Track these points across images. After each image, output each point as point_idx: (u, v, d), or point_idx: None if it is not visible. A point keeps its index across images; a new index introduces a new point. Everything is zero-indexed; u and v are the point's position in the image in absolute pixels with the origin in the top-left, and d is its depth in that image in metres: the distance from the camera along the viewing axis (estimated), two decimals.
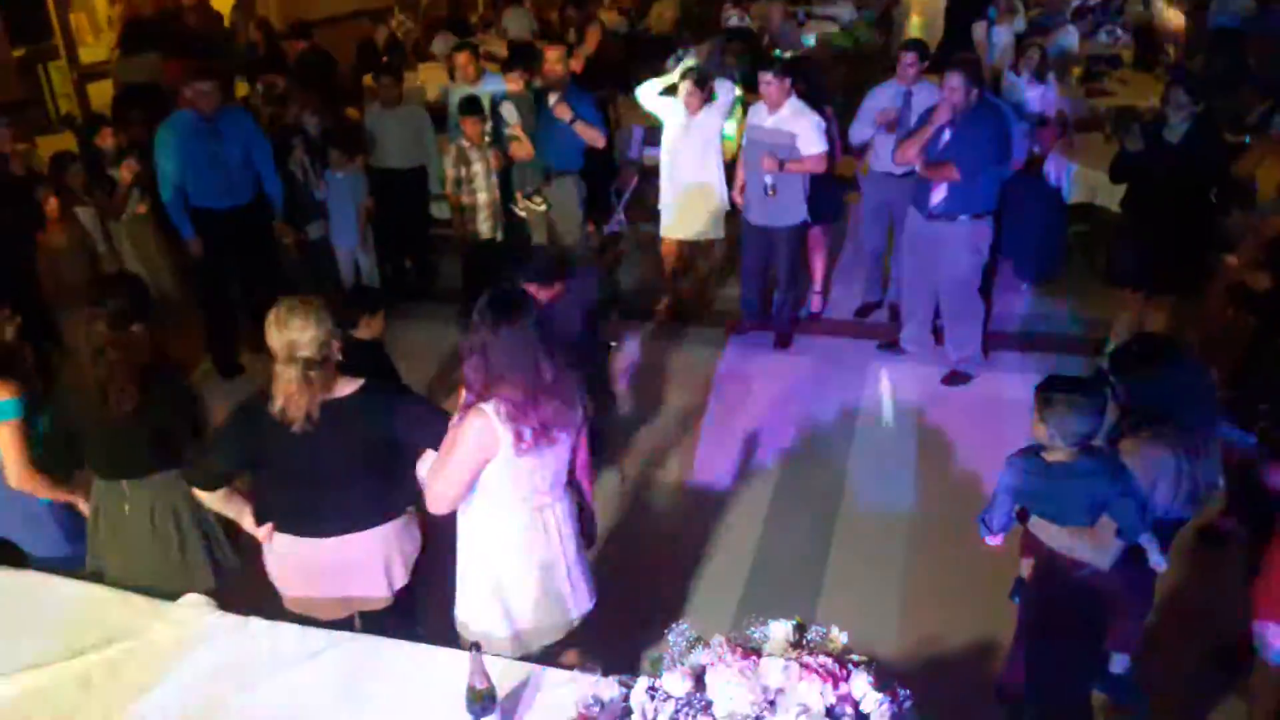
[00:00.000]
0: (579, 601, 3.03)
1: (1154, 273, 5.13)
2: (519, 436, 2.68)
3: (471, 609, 2.98)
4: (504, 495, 2.83)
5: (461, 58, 6.91)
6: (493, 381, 2.68)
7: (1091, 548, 2.79)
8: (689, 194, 6.21)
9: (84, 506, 3.39)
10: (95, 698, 2.66)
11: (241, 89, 8.64)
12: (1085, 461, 2.76)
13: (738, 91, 6.42)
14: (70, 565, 3.38)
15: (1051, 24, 9.97)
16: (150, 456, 3.24)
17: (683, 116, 6.08)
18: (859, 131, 6.12)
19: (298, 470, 2.92)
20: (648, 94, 6.31)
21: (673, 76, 6.33)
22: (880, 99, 6.05)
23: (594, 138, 6.22)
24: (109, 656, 2.79)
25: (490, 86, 6.79)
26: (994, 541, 3.02)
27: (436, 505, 2.83)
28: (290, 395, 2.78)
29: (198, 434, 3.27)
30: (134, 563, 3.29)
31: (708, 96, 6.04)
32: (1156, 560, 2.87)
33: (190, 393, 3.37)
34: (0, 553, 3.39)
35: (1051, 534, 2.85)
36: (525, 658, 2.86)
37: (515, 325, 2.67)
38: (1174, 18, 10.37)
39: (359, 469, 2.93)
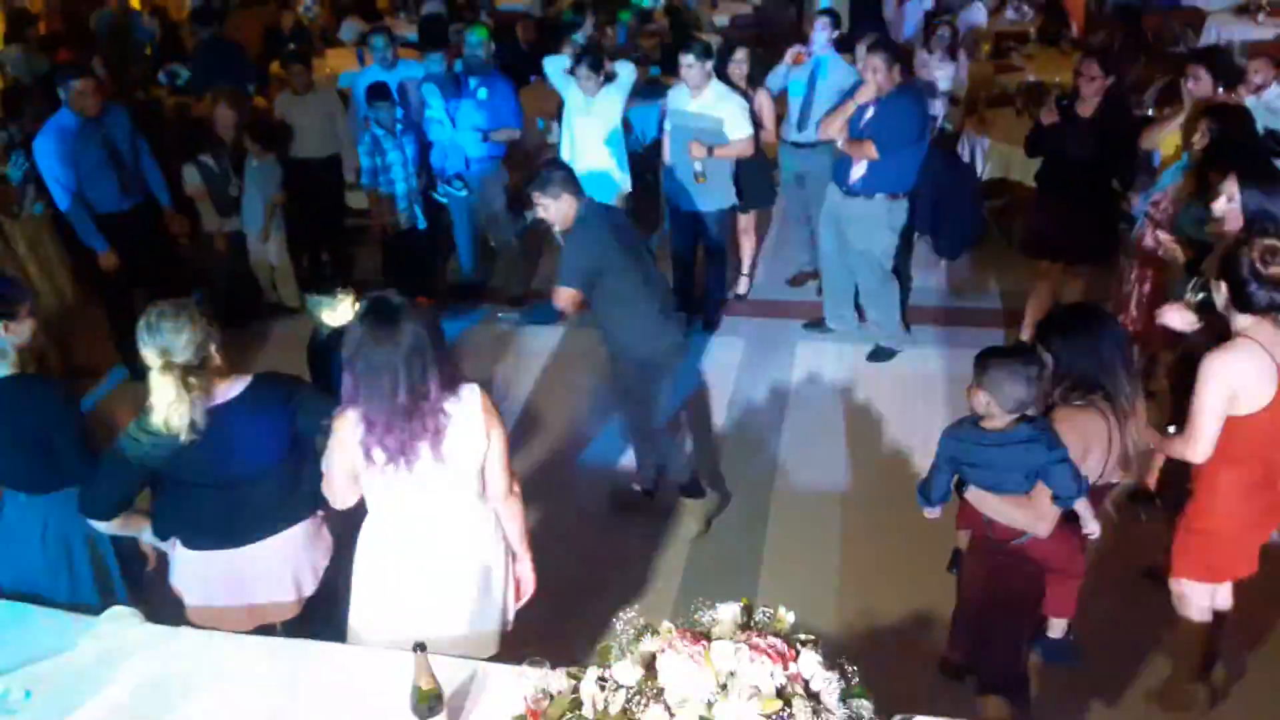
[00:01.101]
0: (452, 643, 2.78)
1: (1069, 244, 5.25)
2: (368, 454, 2.56)
3: (353, 612, 2.89)
4: (372, 504, 2.74)
5: (380, 42, 6.73)
6: (354, 395, 2.55)
7: (1028, 515, 2.84)
8: (591, 176, 6.13)
9: None
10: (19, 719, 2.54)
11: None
12: (1021, 429, 2.81)
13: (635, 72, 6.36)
14: None
15: (959, 1, 10.16)
16: (34, 472, 3.04)
17: (582, 96, 6.01)
18: (774, 80, 6.23)
19: (193, 481, 2.78)
20: (554, 68, 6.24)
21: (560, 69, 6.25)
22: (782, 72, 6.22)
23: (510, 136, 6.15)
24: (32, 674, 2.66)
25: (405, 72, 6.66)
26: (932, 514, 3.05)
27: (330, 499, 2.75)
28: (170, 404, 2.62)
29: (74, 447, 3.02)
30: (21, 576, 3.13)
31: (605, 77, 5.97)
32: (1091, 527, 2.94)
33: (64, 401, 3.09)
34: None
35: (989, 503, 2.90)
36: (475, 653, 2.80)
37: (380, 345, 2.50)
38: None
39: (264, 469, 2.81)
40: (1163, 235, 4.32)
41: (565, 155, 6.20)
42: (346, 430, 2.59)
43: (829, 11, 6.27)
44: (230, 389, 2.76)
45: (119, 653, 2.72)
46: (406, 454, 2.57)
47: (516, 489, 2.83)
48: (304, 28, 10.62)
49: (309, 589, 2.97)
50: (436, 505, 2.71)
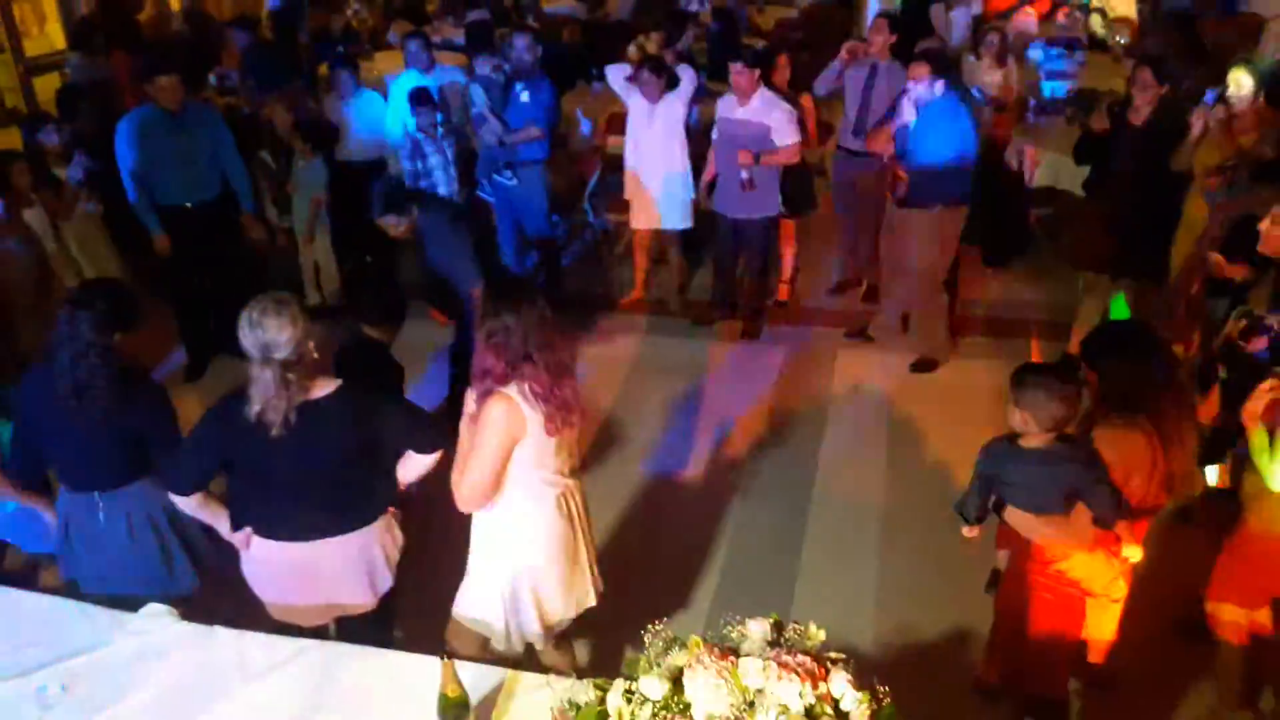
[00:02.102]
0: (594, 586, 3.08)
1: (1118, 256, 5.14)
2: (550, 418, 2.72)
3: (484, 602, 2.95)
4: (531, 481, 2.83)
5: (415, 45, 6.81)
6: (516, 365, 2.70)
7: (1066, 536, 2.78)
8: (655, 184, 6.14)
9: (51, 515, 3.34)
10: (56, 714, 2.57)
11: None
12: (1060, 448, 2.75)
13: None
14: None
15: (1010, 8, 10.01)
16: (123, 466, 3.15)
17: (645, 104, 6.01)
18: (824, 82, 6.12)
19: (275, 474, 2.85)
20: (615, 76, 6.23)
21: (620, 77, 6.24)
22: (850, 79, 6.06)
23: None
24: (69, 670, 2.70)
25: (446, 75, 6.71)
26: (970, 532, 3.00)
27: (469, 502, 2.82)
28: (268, 399, 2.69)
29: (172, 441, 3.15)
30: (115, 573, 3.22)
31: (668, 83, 5.97)
32: (1132, 549, 2.87)
33: (166, 399, 3.24)
34: None
35: (1027, 523, 2.84)
36: (501, 660, 2.81)
37: (534, 307, 2.71)
38: (1124, 3, 10.45)
39: (338, 472, 2.86)
40: (1213, 255, 4.21)
41: (629, 162, 6.23)
42: (504, 405, 2.72)
43: (887, 15, 6.18)
44: (321, 389, 2.82)
45: (154, 650, 2.76)
46: (575, 407, 2.80)
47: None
48: (353, 31, 10.75)
49: (384, 585, 3.05)
50: (572, 463, 2.93)
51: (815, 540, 4.44)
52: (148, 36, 9.06)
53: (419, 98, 6.05)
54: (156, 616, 2.90)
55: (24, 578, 3.74)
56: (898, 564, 4.25)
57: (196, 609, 2.99)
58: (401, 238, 4.80)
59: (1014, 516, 2.87)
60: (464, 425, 2.84)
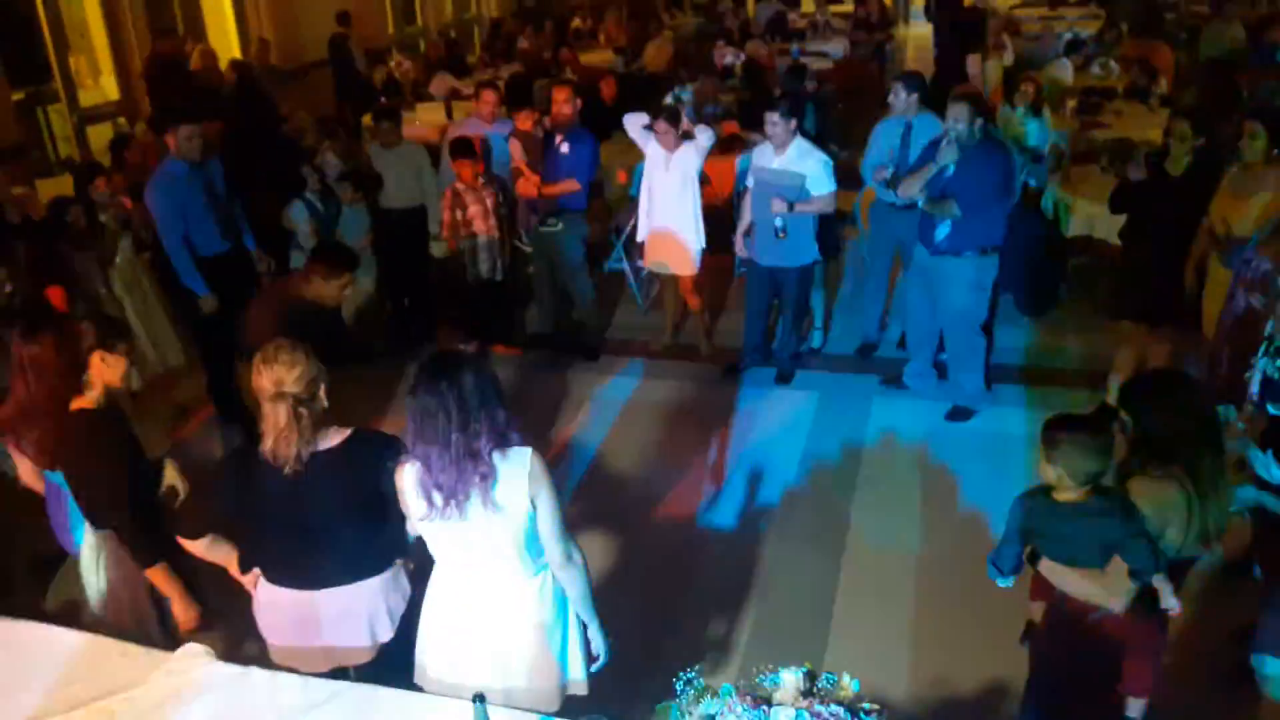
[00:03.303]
0: (513, 691, 2.81)
1: (1154, 305, 5.11)
2: (427, 497, 2.63)
3: (423, 656, 2.95)
4: (437, 555, 2.82)
5: (488, 95, 6.97)
6: (415, 444, 2.63)
7: (1103, 590, 2.75)
8: (666, 230, 6.23)
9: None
10: None
11: None
12: (1095, 501, 2.73)
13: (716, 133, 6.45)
14: None
15: (1043, 58, 10.08)
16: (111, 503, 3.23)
17: (662, 153, 6.10)
18: (872, 169, 6.06)
19: (285, 519, 2.88)
20: (633, 123, 6.32)
21: (638, 126, 6.32)
22: (881, 135, 6.09)
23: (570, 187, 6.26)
24: (107, 708, 2.74)
25: (500, 126, 6.86)
26: (1004, 584, 2.98)
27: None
28: (280, 433, 2.75)
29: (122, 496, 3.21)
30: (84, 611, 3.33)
31: (683, 135, 6.06)
32: (1170, 602, 2.82)
33: (131, 448, 3.29)
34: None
35: (1062, 576, 2.82)
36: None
37: (435, 388, 2.57)
38: (1160, 51, 10.47)
39: (347, 521, 2.89)
40: (1255, 298, 4.19)
41: (643, 210, 6.31)
42: (405, 479, 2.69)
43: (907, 75, 6.24)
44: (329, 439, 2.86)
45: (190, 689, 2.78)
46: (458, 497, 2.60)
47: (577, 557, 2.76)
48: (395, 82, 11.02)
49: (384, 636, 3.03)
50: (489, 557, 2.73)
51: (849, 589, 4.41)
52: (198, 89, 9.33)
53: (459, 148, 6.17)
54: (193, 655, 2.93)
55: (64, 615, 3.80)
56: (932, 614, 4.20)
57: (226, 650, 3.02)
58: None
59: (1049, 569, 2.84)
60: None
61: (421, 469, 2.63)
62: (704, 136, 6.14)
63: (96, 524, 3.26)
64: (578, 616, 2.89)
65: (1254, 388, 3.64)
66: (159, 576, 3.26)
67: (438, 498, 2.61)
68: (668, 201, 6.19)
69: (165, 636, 3.31)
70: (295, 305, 4.28)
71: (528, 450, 2.66)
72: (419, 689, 2.86)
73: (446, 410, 2.56)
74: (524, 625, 2.81)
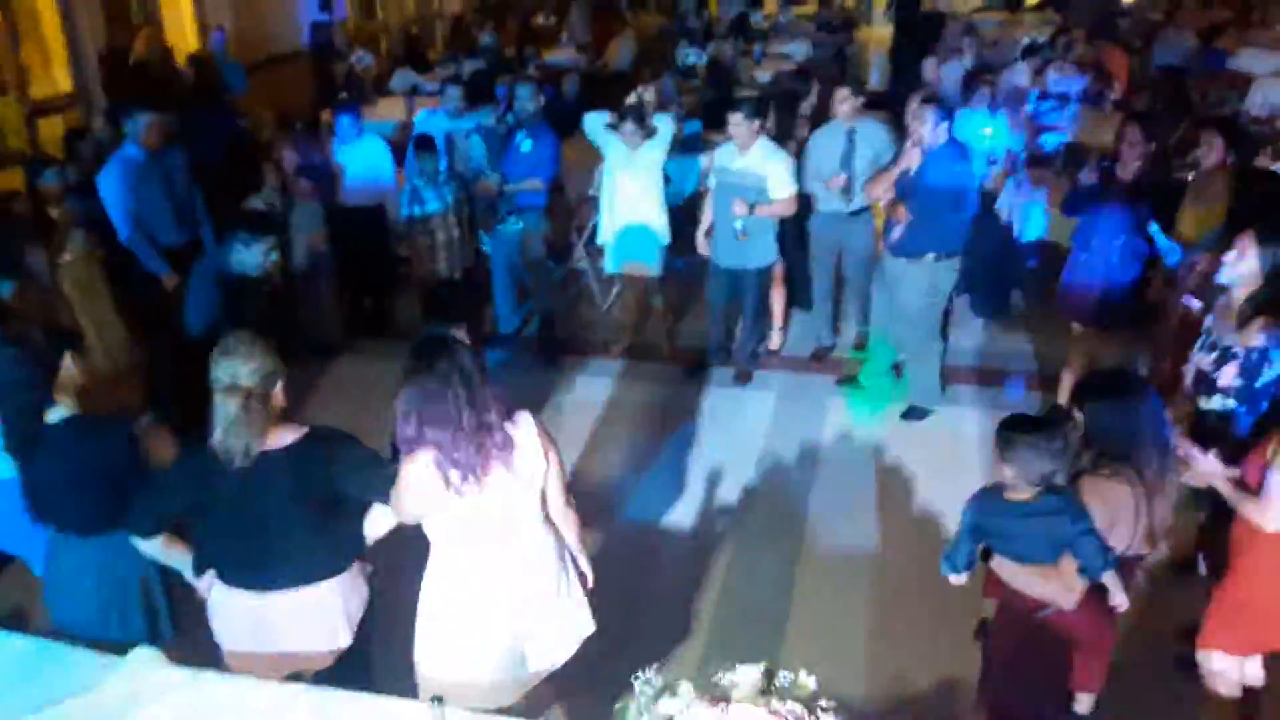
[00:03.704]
0: (540, 655, 2.95)
1: (1104, 307, 5.21)
2: (446, 480, 2.67)
3: (428, 657, 2.92)
4: (450, 539, 2.81)
5: (453, 91, 6.97)
6: (420, 430, 2.65)
7: (1054, 587, 2.80)
8: (630, 228, 6.21)
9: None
10: None
11: None
12: (1047, 500, 2.78)
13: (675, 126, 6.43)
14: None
15: (1001, 62, 10.19)
16: (102, 511, 3.14)
17: (624, 151, 6.09)
18: (808, 185, 6.07)
19: (238, 518, 2.85)
20: (594, 124, 6.29)
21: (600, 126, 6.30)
22: (823, 143, 6.10)
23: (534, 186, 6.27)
24: (56, 713, 2.70)
25: (467, 121, 6.83)
26: (958, 580, 3.02)
27: (402, 519, 2.86)
28: (229, 423, 2.73)
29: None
30: (96, 618, 3.22)
31: (648, 132, 6.07)
32: (1119, 599, 2.89)
33: (135, 444, 3.24)
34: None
35: (1014, 574, 2.87)
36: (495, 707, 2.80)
37: (437, 370, 2.65)
38: (1114, 56, 10.64)
39: (301, 521, 2.86)
40: (1194, 302, 4.28)
41: (605, 209, 6.29)
42: (417, 471, 2.68)
43: (850, 85, 6.25)
44: (283, 436, 2.84)
45: (143, 694, 2.75)
46: (481, 468, 2.69)
47: (571, 500, 3.02)
48: (357, 77, 10.93)
49: (343, 641, 2.99)
50: (513, 524, 2.82)
51: (806, 588, 4.45)
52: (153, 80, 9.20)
53: (421, 144, 6.14)
54: (145, 661, 2.89)
55: (12, 620, 3.74)
56: (888, 612, 4.25)
57: (179, 654, 2.97)
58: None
59: (1001, 566, 2.89)
60: None
61: (436, 453, 2.65)
62: (665, 128, 6.12)
63: (99, 529, 3.18)
64: (571, 558, 3.04)
65: (1188, 380, 3.73)
66: (161, 544, 3.09)
67: (455, 476, 2.66)
68: (632, 200, 6.15)
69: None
70: (226, 277, 4.45)
71: (526, 413, 2.84)
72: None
73: (454, 390, 2.64)
74: (545, 580, 2.92)
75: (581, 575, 3.12)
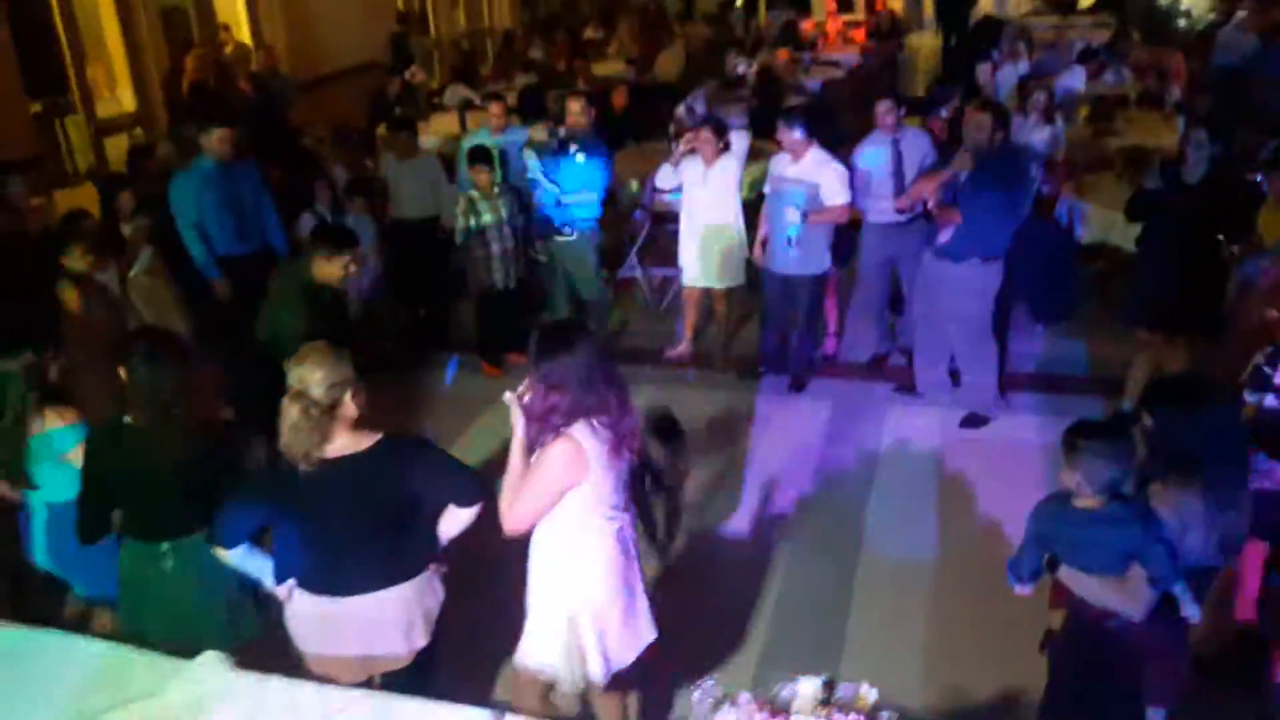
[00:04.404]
0: (651, 622, 3.08)
1: (1171, 313, 5.10)
2: (614, 447, 2.77)
3: (546, 646, 2.95)
4: (588, 515, 2.86)
5: (495, 107, 7.02)
6: (580, 406, 2.75)
7: (1122, 598, 2.74)
8: (709, 243, 6.22)
9: None
10: None
11: None
12: (1114, 508, 2.72)
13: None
14: (111, 604, 3.45)
15: (1056, 66, 10.05)
16: (192, 514, 3.20)
17: (700, 167, 6.10)
18: (857, 197, 6.01)
19: (313, 524, 2.90)
20: (665, 178, 6.37)
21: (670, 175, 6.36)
22: (867, 155, 6.06)
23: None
24: (127, 716, 2.75)
25: (510, 136, 6.89)
26: (1023, 591, 2.97)
27: (515, 526, 2.87)
28: (291, 427, 2.78)
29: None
30: (181, 624, 3.26)
31: (725, 145, 6.07)
32: (1190, 610, 2.81)
33: (235, 449, 3.35)
34: (45, 585, 3.41)
35: (1081, 583, 2.81)
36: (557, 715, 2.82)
37: (589, 342, 2.80)
38: (1173, 58, 10.44)
39: (376, 526, 2.90)
40: (1269, 310, 4.17)
41: (684, 221, 6.34)
42: (569, 449, 2.75)
43: (888, 93, 6.23)
44: (359, 442, 2.88)
45: (208, 698, 2.80)
46: (635, 439, 2.87)
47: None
48: (411, 92, 11.06)
49: (420, 641, 3.04)
50: (627, 503, 2.96)
51: (864, 598, 4.39)
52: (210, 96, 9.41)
53: (477, 156, 6.21)
54: (211, 665, 2.94)
55: (80, 623, 3.82)
56: (949, 623, 4.18)
57: (245, 659, 3.02)
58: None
59: (1068, 576, 2.83)
60: (515, 446, 2.86)
61: (606, 420, 2.78)
62: (740, 142, 6.14)
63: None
64: None
65: (1243, 377, 3.62)
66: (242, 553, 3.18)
67: (611, 442, 2.78)
68: (708, 215, 6.18)
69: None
70: (308, 287, 4.48)
71: None
72: (441, 695, 2.86)
73: (607, 359, 2.85)
74: (635, 572, 3.03)
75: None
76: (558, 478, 2.78)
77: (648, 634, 3.06)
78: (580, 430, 2.76)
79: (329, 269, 4.50)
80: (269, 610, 3.37)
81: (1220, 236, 5.03)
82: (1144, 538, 2.69)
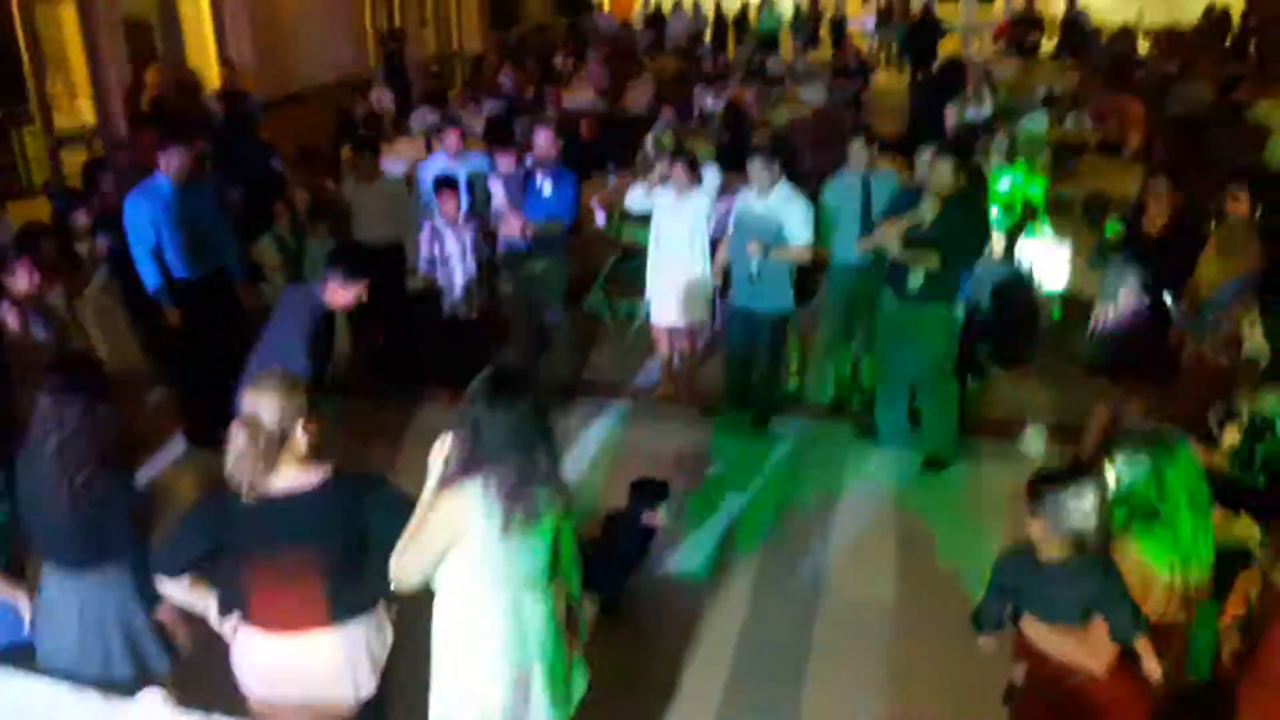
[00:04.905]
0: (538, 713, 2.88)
1: (1131, 361, 5.15)
2: (506, 519, 2.61)
3: (442, 708, 2.86)
4: (478, 583, 2.74)
5: (451, 134, 6.97)
6: (481, 460, 2.62)
7: (1084, 651, 2.73)
8: (676, 279, 6.17)
9: (25, 604, 3.28)
10: None
11: None
12: (1077, 560, 2.72)
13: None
14: (21, 651, 3.26)
15: (1020, 110, 10.24)
16: (84, 549, 3.10)
17: (671, 199, 6.09)
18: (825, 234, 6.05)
19: (259, 557, 2.81)
20: (637, 200, 6.33)
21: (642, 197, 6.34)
22: (838, 193, 6.08)
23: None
24: None
25: (473, 164, 6.84)
26: (987, 642, 2.95)
27: (402, 578, 2.73)
28: (238, 455, 2.71)
29: (141, 532, 3.13)
30: (57, 653, 3.17)
31: (696, 179, 6.06)
32: (1151, 667, 2.80)
33: (133, 486, 3.24)
34: None
35: (1042, 636, 2.79)
36: None
37: (514, 406, 2.64)
38: (1131, 106, 10.67)
39: (322, 564, 2.82)
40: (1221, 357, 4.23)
41: (651, 256, 6.28)
42: (465, 500, 2.63)
43: (865, 130, 6.25)
44: (308, 477, 2.80)
45: None
46: (537, 512, 2.66)
47: (578, 560, 3.03)
48: (376, 116, 11.00)
49: (366, 688, 2.94)
50: (543, 571, 2.79)
51: (824, 641, 4.36)
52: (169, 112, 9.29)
53: (444, 184, 6.15)
54: (155, 703, 2.83)
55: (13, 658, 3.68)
56: (909, 669, 4.16)
57: (188, 696, 2.91)
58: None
59: (1031, 628, 2.82)
60: (425, 494, 2.75)
61: (505, 486, 2.61)
62: (711, 177, 6.13)
63: (90, 563, 3.13)
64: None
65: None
66: (168, 611, 3.15)
67: (519, 511, 2.62)
68: (677, 250, 6.13)
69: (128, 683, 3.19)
70: (321, 309, 4.40)
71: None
72: None
73: (527, 421, 2.64)
74: (561, 631, 2.90)
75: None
76: (439, 530, 2.66)
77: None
78: (476, 485, 2.64)
79: (342, 295, 4.41)
80: (178, 652, 3.31)
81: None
82: (1105, 590, 2.68)
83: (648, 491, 4.50)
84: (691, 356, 6.55)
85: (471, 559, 2.69)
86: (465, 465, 2.64)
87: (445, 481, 2.69)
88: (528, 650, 2.81)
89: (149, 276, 5.55)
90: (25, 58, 8.98)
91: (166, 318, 5.64)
